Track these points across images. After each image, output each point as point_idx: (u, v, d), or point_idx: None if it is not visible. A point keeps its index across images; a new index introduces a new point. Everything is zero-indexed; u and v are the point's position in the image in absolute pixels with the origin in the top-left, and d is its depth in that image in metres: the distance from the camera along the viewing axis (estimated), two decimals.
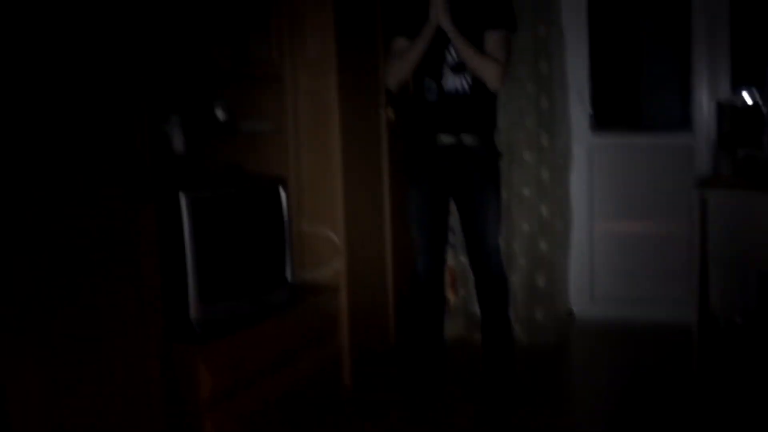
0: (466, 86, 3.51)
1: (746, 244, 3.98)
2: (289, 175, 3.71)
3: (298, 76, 3.74)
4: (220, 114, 3.47)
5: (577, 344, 4.65)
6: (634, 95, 5.54)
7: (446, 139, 3.54)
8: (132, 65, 2.69)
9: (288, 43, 3.71)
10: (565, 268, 4.79)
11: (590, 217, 4.93)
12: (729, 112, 4.41)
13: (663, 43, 5.40)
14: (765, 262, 4.01)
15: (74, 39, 2.51)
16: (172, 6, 3.06)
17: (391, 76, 3.60)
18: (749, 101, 4.18)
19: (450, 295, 4.16)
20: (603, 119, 5.02)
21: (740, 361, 4.04)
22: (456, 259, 4.57)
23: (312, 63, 3.72)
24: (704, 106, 4.66)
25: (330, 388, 3.74)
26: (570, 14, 4.72)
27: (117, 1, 2.64)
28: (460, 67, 3.49)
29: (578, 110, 4.83)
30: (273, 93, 3.73)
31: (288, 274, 3.52)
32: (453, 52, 3.48)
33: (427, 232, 3.68)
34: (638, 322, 4.79)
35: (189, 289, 2.98)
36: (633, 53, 5.52)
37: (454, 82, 3.51)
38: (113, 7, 2.63)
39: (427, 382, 3.77)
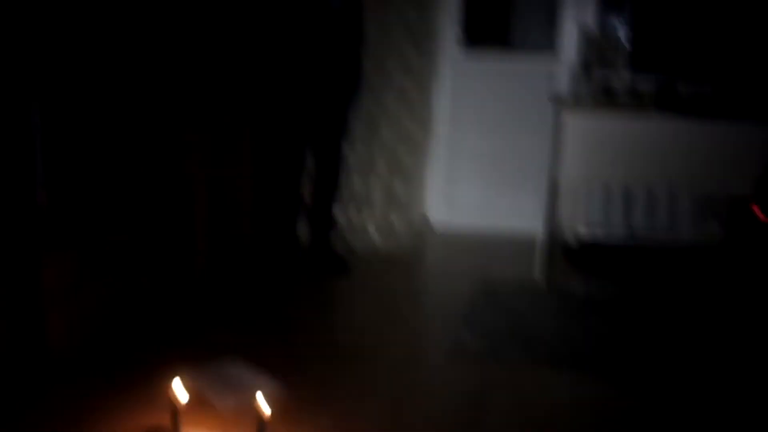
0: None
1: (598, 162, 4.16)
2: None
3: None
4: None
5: (432, 251, 4.79)
6: (504, 15, 5.60)
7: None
8: None
9: None
10: (423, 176, 4.88)
11: (453, 129, 5.02)
12: (590, 37, 4.56)
13: None
14: (613, 179, 4.24)
15: None
16: None
17: None
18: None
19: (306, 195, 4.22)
20: (472, 37, 5.07)
21: (581, 272, 4.26)
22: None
23: None
24: (568, 30, 4.78)
25: (182, 273, 3.70)
26: None
27: None
28: None
29: (447, 25, 4.86)
30: None
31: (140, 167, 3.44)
32: None
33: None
34: (493, 231, 4.98)
35: (37, 176, 2.87)
36: None
37: None
38: None
39: (277, 272, 4.02)
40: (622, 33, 4.49)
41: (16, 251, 2.76)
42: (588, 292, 3.95)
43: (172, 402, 2.43)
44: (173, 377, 2.51)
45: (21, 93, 2.77)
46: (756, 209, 3.99)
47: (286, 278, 4.00)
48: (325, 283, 4.06)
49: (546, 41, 5.14)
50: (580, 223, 4.82)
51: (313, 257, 4.19)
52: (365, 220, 4.63)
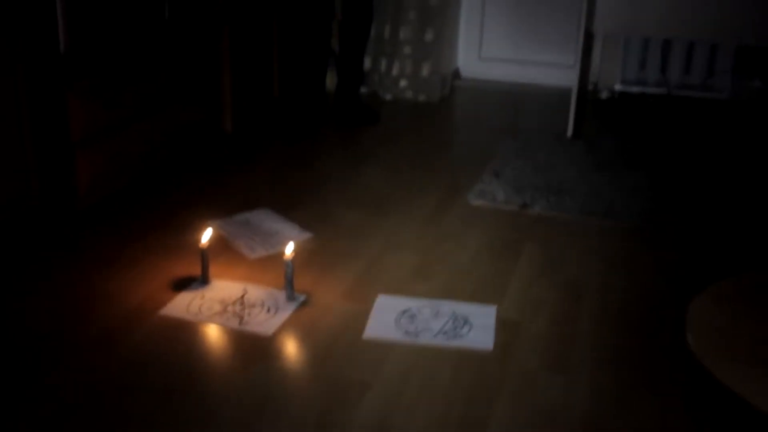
0: None
1: (632, 11, 4.00)
2: None
3: None
4: None
5: (461, 103, 4.71)
6: None
7: None
8: None
9: None
10: (455, 25, 4.74)
11: None
12: None
13: None
14: (649, 30, 4.06)
15: None
16: None
17: None
18: None
19: (335, 47, 4.11)
20: None
21: (612, 126, 4.18)
22: None
23: None
24: None
25: (210, 134, 3.70)
26: None
27: None
28: None
29: None
30: None
31: (166, 12, 3.36)
32: None
33: None
34: (524, 84, 4.87)
35: (58, 20, 2.81)
36: None
37: None
38: None
39: (307, 128, 3.93)
40: None
41: (42, 95, 2.73)
42: (619, 144, 3.88)
43: (201, 251, 2.45)
44: (203, 227, 2.53)
45: None
46: None
47: (315, 130, 3.95)
48: (355, 133, 4.01)
49: None
50: (615, 75, 4.69)
51: (342, 108, 4.12)
52: (395, 69, 4.54)
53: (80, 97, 2.81)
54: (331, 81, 4.16)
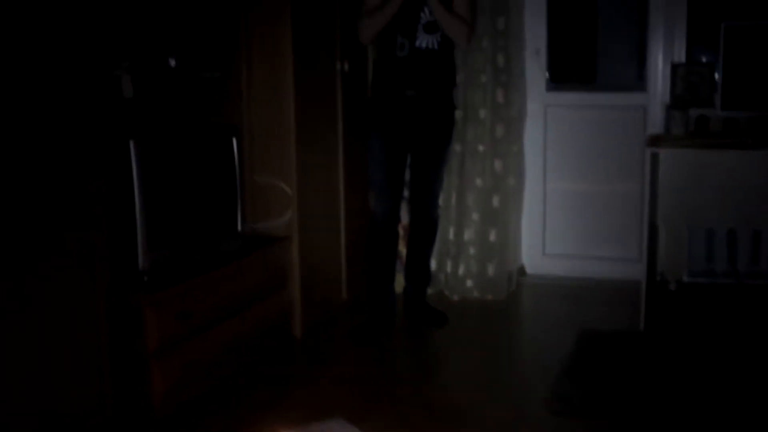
0: (435, 44, 3.77)
1: (695, 202, 4.04)
2: (241, 123, 3.67)
3: (252, 24, 3.68)
4: (172, 61, 3.41)
5: (528, 300, 4.70)
6: (590, 53, 5.55)
7: (412, 92, 3.80)
8: (84, 11, 2.63)
9: None
10: (517, 224, 4.81)
11: (543, 173, 4.94)
12: (683, 72, 4.46)
13: (620, 3, 5.41)
14: (713, 221, 4.07)
15: None
16: None
17: (365, 31, 3.80)
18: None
19: (401, 249, 4.20)
20: (559, 76, 5.02)
21: (686, 319, 4.11)
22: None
23: (266, 10, 3.66)
24: (659, 66, 4.67)
25: (280, 339, 3.74)
26: None
27: None
28: (432, 27, 3.75)
29: (534, 67, 4.82)
30: (226, 41, 3.67)
31: (239, 224, 3.50)
32: (427, 11, 3.72)
33: (387, 179, 3.90)
34: (589, 279, 4.85)
35: (137, 237, 2.95)
36: (590, 11, 5.52)
37: (426, 40, 3.76)
38: None
39: (377, 331, 3.91)
40: (713, 67, 4.39)
41: (120, 309, 2.82)
42: (692, 338, 3.80)
43: None
44: None
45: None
46: None
47: (384, 333, 3.94)
48: (424, 336, 4.01)
49: (634, 78, 5.06)
50: (681, 266, 4.67)
51: (410, 310, 4.15)
52: (461, 269, 4.58)
53: (156, 309, 2.89)
54: (398, 284, 4.19)
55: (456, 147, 4.44)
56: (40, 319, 2.50)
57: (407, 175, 4.05)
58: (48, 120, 2.58)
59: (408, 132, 3.88)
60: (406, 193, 4.13)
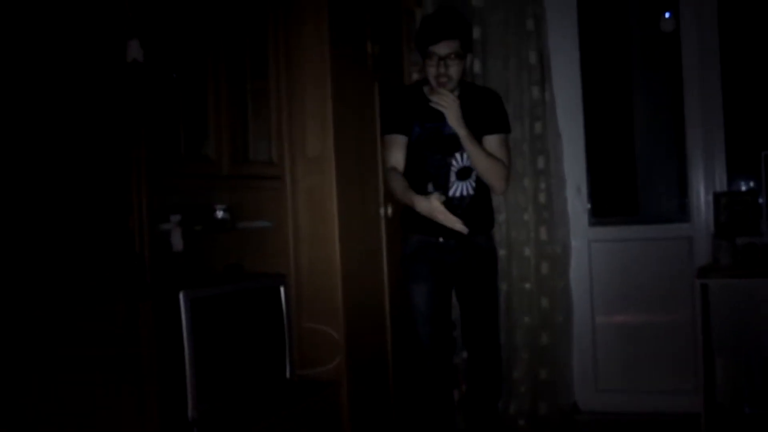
0: (471, 190, 3.63)
1: (750, 332, 3.96)
2: (288, 271, 3.71)
3: (297, 172, 3.77)
4: (219, 213, 3.49)
5: None
6: (631, 186, 5.58)
7: (452, 241, 3.64)
8: (130, 165, 2.73)
9: (287, 141, 3.76)
10: (567, 360, 4.74)
11: (591, 308, 4.90)
12: (726, 201, 4.46)
13: (658, 134, 5.47)
14: None
15: (71, 141, 2.55)
16: (169, 104, 3.11)
17: (393, 193, 3.70)
18: None
19: (455, 392, 4.13)
20: (601, 211, 5.05)
21: None
22: (458, 355, 4.54)
23: (311, 160, 3.76)
24: (701, 195, 4.69)
25: None
26: (565, 110, 4.78)
27: (113, 104, 2.70)
28: (465, 173, 3.60)
29: (576, 203, 4.86)
30: (272, 190, 3.75)
31: (288, 372, 3.49)
32: (459, 157, 3.58)
33: (433, 327, 3.74)
34: (644, 413, 4.72)
35: (187, 390, 2.95)
36: (627, 145, 5.58)
37: (459, 188, 3.62)
38: (112, 111, 2.68)
39: None
40: (756, 194, 4.39)
41: None
42: None
43: None
44: None
45: None
46: None
47: None
48: None
49: (676, 209, 5.06)
50: (742, 398, 4.54)
51: None
52: (512, 408, 4.50)
53: None
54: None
55: (502, 286, 4.43)
56: None
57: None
58: (99, 281, 2.64)
59: (448, 277, 3.74)
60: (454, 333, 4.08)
